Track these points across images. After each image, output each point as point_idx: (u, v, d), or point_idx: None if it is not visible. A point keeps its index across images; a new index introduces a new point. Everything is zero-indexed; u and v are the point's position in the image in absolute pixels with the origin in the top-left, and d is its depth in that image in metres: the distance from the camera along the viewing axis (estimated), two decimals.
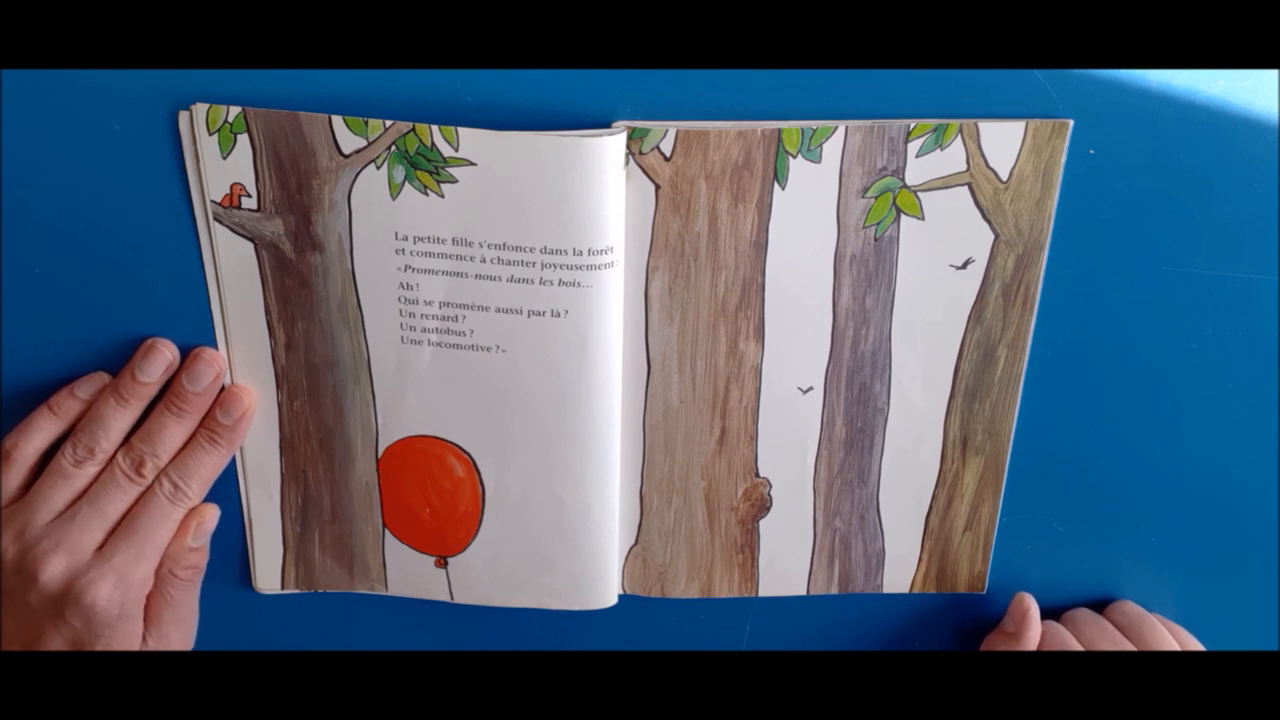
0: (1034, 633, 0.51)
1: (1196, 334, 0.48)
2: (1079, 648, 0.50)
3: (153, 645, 0.47)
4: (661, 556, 0.52)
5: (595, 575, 0.51)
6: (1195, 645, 0.51)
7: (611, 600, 0.52)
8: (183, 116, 0.42)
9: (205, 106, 0.42)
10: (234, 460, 0.49)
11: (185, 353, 0.46)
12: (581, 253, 0.43)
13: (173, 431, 0.46)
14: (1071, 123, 0.43)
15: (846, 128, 0.43)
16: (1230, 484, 0.51)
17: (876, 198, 0.44)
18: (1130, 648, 0.50)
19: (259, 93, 0.42)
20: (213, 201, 0.44)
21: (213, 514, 0.48)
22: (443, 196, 0.43)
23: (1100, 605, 0.53)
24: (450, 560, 0.51)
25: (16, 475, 0.45)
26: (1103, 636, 0.50)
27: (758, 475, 0.50)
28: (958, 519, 0.51)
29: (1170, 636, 0.50)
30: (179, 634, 0.48)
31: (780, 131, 0.43)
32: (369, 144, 0.42)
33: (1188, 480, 0.51)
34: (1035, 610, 0.51)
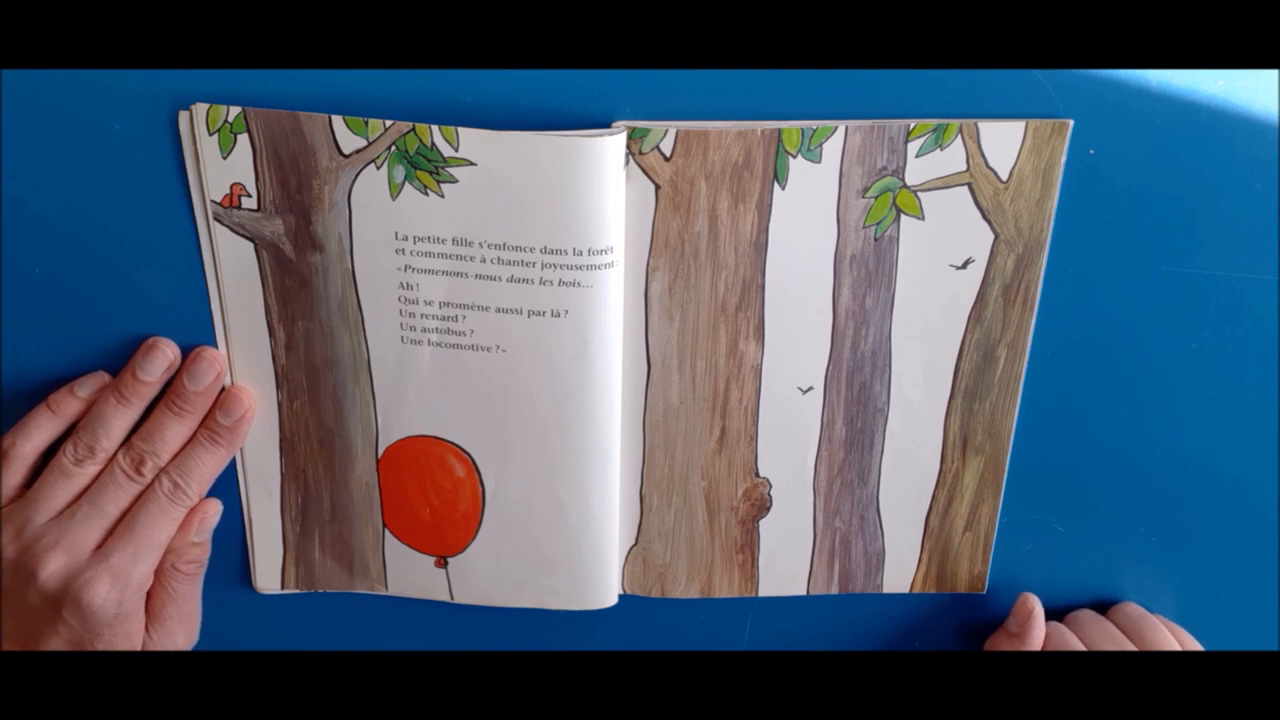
0: (1038, 633, 0.51)
1: (1196, 334, 0.48)
2: (1082, 648, 0.50)
3: (157, 641, 0.47)
4: (661, 556, 0.52)
5: (595, 575, 0.51)
6: (1197, 648, 0.51)
7: (611, 600, 0.52)
8: (183, 116, 0.42)
9: (205, 106, 0.42)
10: (234, 460, 0.49)
11: (186, 353, 0.46)
12: (581, 253, 0.43)
13: (173, 431, 0.46)
14: (1071, 123, 0.43)
15: (846, 128, 0.43)
16: (1230, 484, 0.51)
17: (876, 198, 0.44)
18: (1133, 649, 0.50)
19: (259, 93, 0.42)
20: (213, 201, 0.44)
21: (215, 509, 0.48)
22: (443, 196, 0.43)
23: (1100, 605, 0.53)
24: (450, 560, 0.51)
25: (15, 474, 0.45)
26: (1105, 637, 0.50)
27: (758, 475, 0.50)
28: (958, 519, 0.51)
29: (1173, 638, 0.50)
30: (183, 630, 0.48)
31: (780, 131, 0.43)
32: (369, 144, 0.42)
33: (1188, 480, 0.51)
34: (1040, 611, 0.51)
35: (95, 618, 0.44)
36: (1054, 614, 0.53)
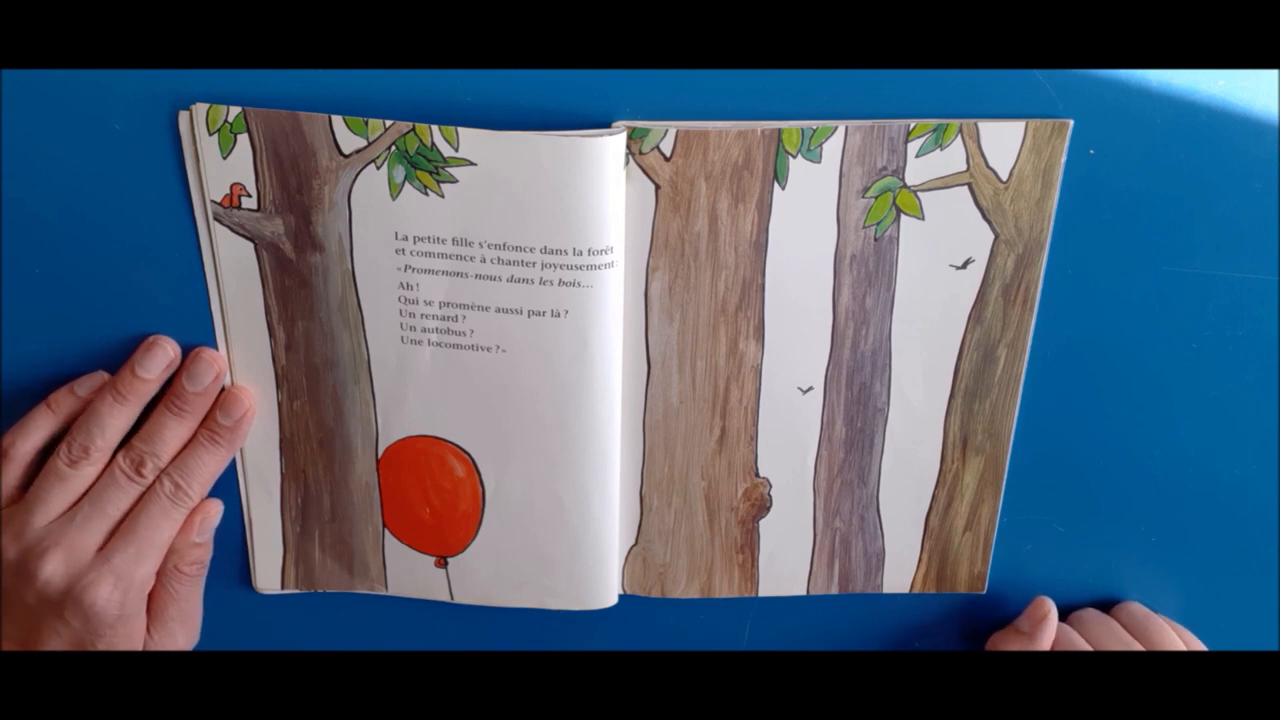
0: (1049, 635, 0.51)
1: (1196, 334, 0.48)
2: (1087, 648, 0.50)
3: (157, 641, 0.47)
4: (661, 556, 0.52)
5: (595, 575, 0.51)
6: (1201, 649, 0.51)
7: (611, 600, 0.52)
8: (183, 116, 0.42)
9: (205, 106, 0.42)
10: (234, 460, 0.49)
11: (186, 353, 0.46)
12: (581, 253, 0.43)
13: (173, 431, 0.46)
14: (1071, 123, 0.43)
15: (846, 128, 0.43)
16: (1230, 484, 0.51)
17: (876, 198, 0.44)
18: (1139, 649, 0.50)
19: (259, 93, 0.42)
20: (213, 201, 0.44)
21: (216, 509, 0.48)
22: (443, 196, 0.43)
23: (1100, 605, 0.53)
24: (450, 560, 0.51)
25: (14, 473, 0.45)
26: (1111, 637, 0.50)
27: (758, 475, 0.50)
28: (958, 519, 0.51)
29: (1177, 638, 0.50)
30: (184, 630, 0.48)
31: (780, 131, 0.43)
32: (369, 144, 0.42)
33: (1188, 480, 0.51)
34: (1054, 615, 0.51)
35: (98, 619, 0.44)
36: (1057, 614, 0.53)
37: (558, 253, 0.43)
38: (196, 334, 0.46)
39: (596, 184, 0.42)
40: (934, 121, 0.43)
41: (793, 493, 0.51)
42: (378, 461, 0.49)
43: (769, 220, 0.44)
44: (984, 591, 0.53)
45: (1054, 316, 0.47)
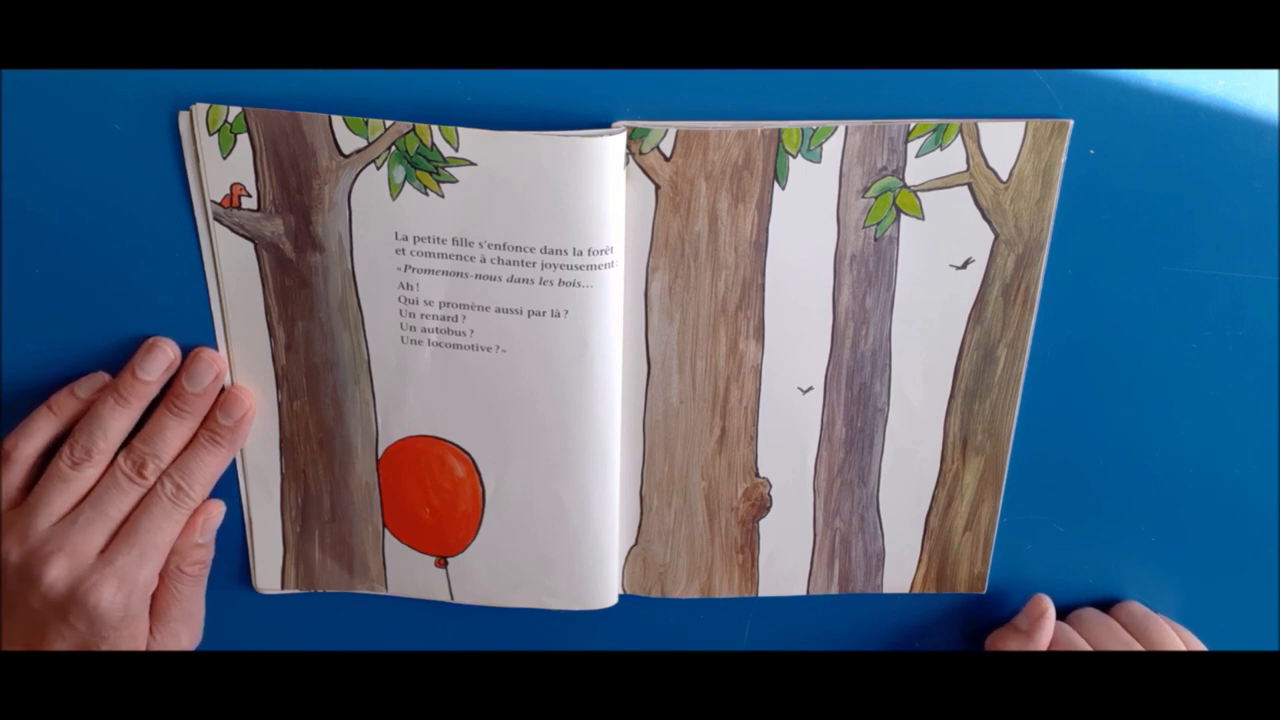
0: (1047, 633, 0.51)
1: (1196, 334, 0.48)
2: (1086, 648, 0.50)
3: (160, 642, 0.47)
4: (661, 556, 0.52)
5: (595, 575, 0.51)
6: (1201, 649, 0.51)
7: (611, 600, 0.52)
8: (183, 116, 0.42)
9: (205, 106, 0.42)
10: (234, 460, 0.49)
11: (186, 353, 0.46)
12: (581, 253, 0.44)
13: (174, 432, 0.46)
14: (1071, 123, 0.43)
15: (846, 128, 0.43)
16: (1230, 484, 0.51)
17: (876, 198, 0.44)
18: (1138, 648, 0.50)
19: (259, 93, 0.42)
20: (213, 201, 0.44)
21: (218, 510, 0.48)
22: (443, 196, 0.43)
23: (1100, 605, 0.53)
24: (450, 560, 0.51)
25: (16, 476, 0.45)
26: (1111, 637, 0.50)
27: (758, 475, 0.50)
28: (958, 519, 0.51)
29: (1177, 638, 0.50)
30: (186, 630, 0.48)
31: (780, 131, 0.43)
32: (369, 144, 0.42)
33: (1188, 480, 0.51)
34: (1052, 612, 0.51)
35: (102, 621, 0.44)
36: (1057, 613, 0.53)
37: (558, 253, 0.43)
38: (196, 334, 0.46)
39: (596, 184, 0.42)
40: (934, 121, 0.43)
41: (793, 493, 0.51)
42: (378, 461, 0.49)
43: (769, 220, 0.44)
44: (984, 591, 0.53)
45: (1054, 316, 0.47)
